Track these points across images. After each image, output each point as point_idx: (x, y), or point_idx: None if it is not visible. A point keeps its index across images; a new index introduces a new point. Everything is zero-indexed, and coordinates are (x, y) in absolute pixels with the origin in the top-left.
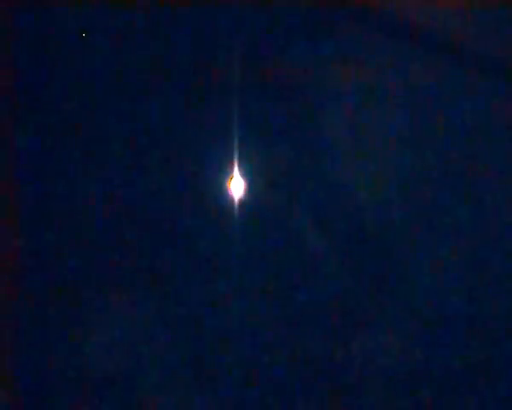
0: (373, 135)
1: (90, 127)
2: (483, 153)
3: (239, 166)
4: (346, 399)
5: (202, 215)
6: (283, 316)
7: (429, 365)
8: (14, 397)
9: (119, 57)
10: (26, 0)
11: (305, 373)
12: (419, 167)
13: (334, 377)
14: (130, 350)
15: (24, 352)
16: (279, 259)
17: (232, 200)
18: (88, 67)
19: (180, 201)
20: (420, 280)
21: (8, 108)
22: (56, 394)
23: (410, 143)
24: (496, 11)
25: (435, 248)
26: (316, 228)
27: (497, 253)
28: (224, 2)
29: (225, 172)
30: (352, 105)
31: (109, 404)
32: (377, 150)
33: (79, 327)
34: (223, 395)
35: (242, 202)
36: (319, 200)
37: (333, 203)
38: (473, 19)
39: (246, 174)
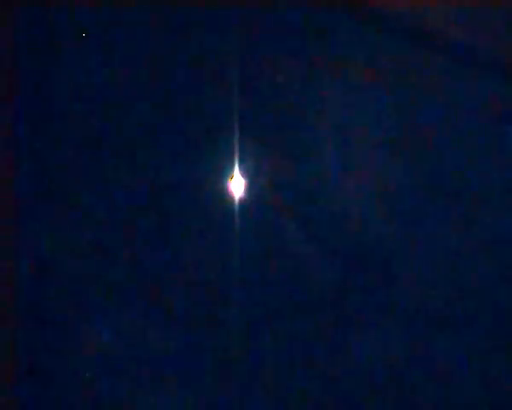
0: (373, 134)
1: (89, 127)
2: (481, 157)
3: (239, 166)
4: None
5: (202, 215)
6: (282, 315)
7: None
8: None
9: (119, 57)
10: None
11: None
12: (418, 175)
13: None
14: (129, 351)
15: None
16: (279, 258)
17: (232, 200)
18: (87, 67)
19: (180, 200)
20: (415, 288)
21: (8, 107)
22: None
23: (409, 148)
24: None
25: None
26: (315, 228)
27: (489, 261)
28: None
29: (225, 172)
30: (352, 105)
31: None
32: (376, 149)
33: (81, 328)
34: (224, 394)
35: (242, 202)
36: (319, 200)
37: (332, 203)
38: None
39: (246, 174)
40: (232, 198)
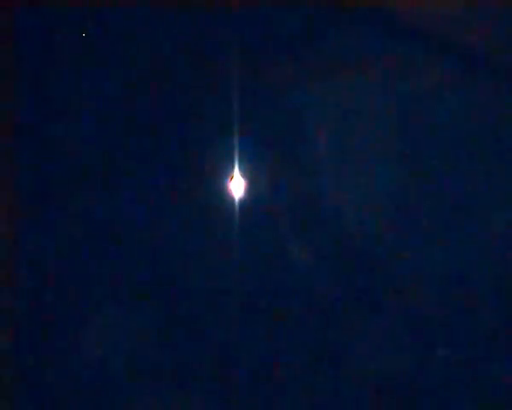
0: (373, 136)
1: (88, 126)
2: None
3: (239, 166)
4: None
5: (202, 215)
6: (282, 317)
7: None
8: None
9: (120, 57)
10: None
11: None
12: (419, 181)
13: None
14: (130, 354)
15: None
16: (278, 259)
17: (232, 200)
18: (87, 67)
19: (179, 201)
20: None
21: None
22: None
23: (408, 149)
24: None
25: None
26: (314, 229)
27: (485, 264)
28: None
29: (225, 172)
30: (352, 106)
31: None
32: (376, 150)
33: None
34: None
35: (242, 202)
36: (319, 200)
37: (332, 203)
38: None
39: (246, 174)
40: (232, 198)
